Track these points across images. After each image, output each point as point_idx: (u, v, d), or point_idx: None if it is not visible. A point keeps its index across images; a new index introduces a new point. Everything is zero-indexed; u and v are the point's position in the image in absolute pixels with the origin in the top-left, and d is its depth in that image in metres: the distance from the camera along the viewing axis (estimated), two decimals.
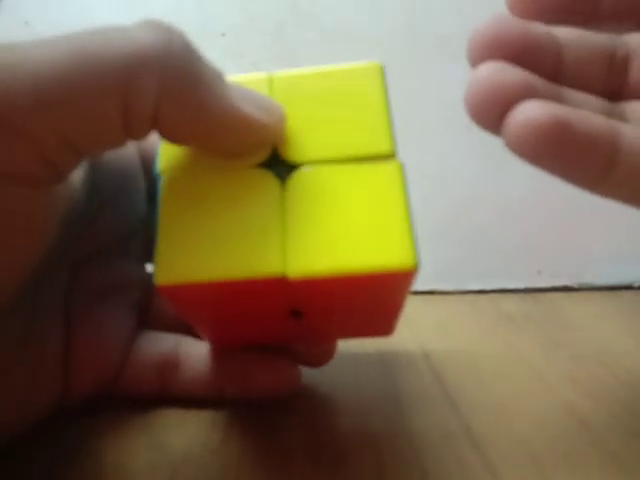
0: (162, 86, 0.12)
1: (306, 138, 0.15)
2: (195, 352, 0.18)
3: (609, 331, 0.25)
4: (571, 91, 0.15)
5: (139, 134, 0.13)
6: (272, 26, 0.40)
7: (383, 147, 0.15)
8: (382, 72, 0.16)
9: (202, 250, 0.13)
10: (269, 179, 0.14)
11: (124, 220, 0.18)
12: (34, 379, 0.15)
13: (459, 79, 0.44)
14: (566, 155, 0.13)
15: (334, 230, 0.13)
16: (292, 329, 0.17)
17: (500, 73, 0.14)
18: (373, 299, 0.15)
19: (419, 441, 0.16)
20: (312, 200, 0.14)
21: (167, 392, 0.18)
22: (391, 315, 0.17)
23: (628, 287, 0.33)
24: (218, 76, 0.13)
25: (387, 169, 0.14)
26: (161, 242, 0.13)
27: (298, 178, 0.14)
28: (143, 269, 0.20)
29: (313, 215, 0.14)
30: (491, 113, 0.13)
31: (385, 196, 0.14)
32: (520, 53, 0.14)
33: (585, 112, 0.13)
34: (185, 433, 0.17)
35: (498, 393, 0.19)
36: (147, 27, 0.13)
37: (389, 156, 0.14)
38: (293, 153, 0.15)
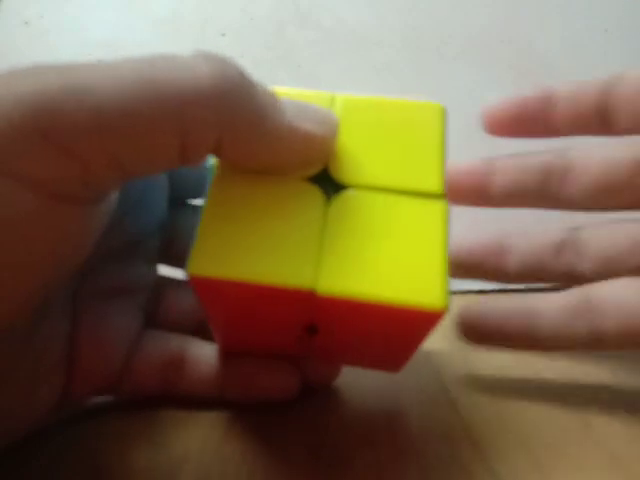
0: (221, 118, 0.12)
1: (358, 161, 0.15)
2: (200, 353, 0.18)
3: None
4: None
5: (195, 162, 0.13)
6: (272, 26, 0.40)
7: (433, 186, 0.15)
8: (443, 114, 0.16)
9: (239, 249, 0.13)
10: (315, 194, 0.14)
11: (141, 225, 0.18)
12: (37, 379, 0.15)
13: (459, 79, 0.44)
14: None
15: (370, 256, 0.13)
16: (302, 345, 0.17)
17: None
18: (392, 333, 0.15)
19: (419, 441, 0.16)
20: (353, 222, 0.14)
21: (171, 392, 0.18)
22: (404, 354, 0.17)
23: None
24: (272, 97, 0.13)
25: (433, 207, 0.14)
26: (201, 233, 0.13)
27: (344, 198, 0.14)
28: (153, 271, 0.19)
29: (352, 237, 0.14)
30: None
31: (426, 233, 0.14)
32: None
33: None
34: (185, 433, 0.17)
35: (498, 392, 0.19)
36: (203, 59, 0.12)
37: (438, 196, 0.15)
38: (343, 173, 0.15)
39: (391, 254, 0.14)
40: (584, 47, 0.40)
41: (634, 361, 0.22)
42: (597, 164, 0.19)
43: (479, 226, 0.23)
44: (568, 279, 0.19)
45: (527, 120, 0.20)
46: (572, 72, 0.38)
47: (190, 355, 0.18)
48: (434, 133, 0.15)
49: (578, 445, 0.16)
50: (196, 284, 0.14)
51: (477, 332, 0.19)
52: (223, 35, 0.40)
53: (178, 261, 0.19)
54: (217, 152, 0.13)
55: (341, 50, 0.39)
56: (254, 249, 0.13)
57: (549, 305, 0.18)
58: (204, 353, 0.18)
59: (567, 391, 0.19)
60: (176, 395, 0.18)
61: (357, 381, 0.20)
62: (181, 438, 0.16)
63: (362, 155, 0.15)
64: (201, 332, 0.18)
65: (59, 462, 0.15)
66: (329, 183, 0.15)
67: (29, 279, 0.13)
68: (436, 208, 0.14)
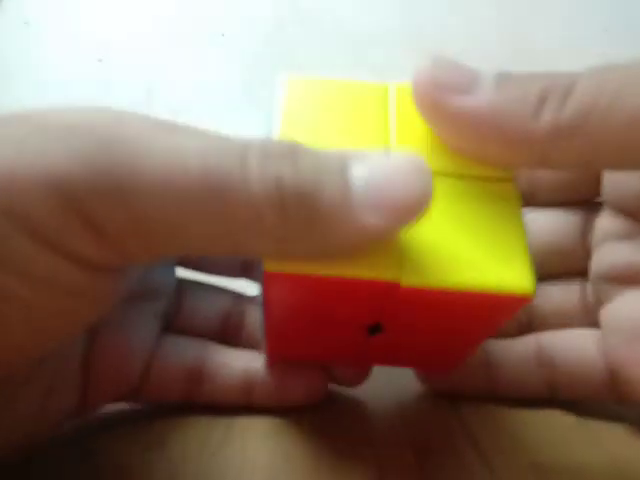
0: (278, 244, 0.11)
1: (421, 148, 0.14)
2: (223, 360, 0.17)
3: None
4: None
5: None
6: (272, 26, 0.40)
7: (503, 173, 0.14)
8: None
9: None
10: None
11: None
12: (52, 389, 0.15)
13: None
14: None
15: (449, 242, 0.13)
16: (358, 348, 0.16)
17: None
18: (467, 323, 0.14)
19: (419, 441, 0.16)
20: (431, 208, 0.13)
21: (194, 400, 0.17)
22: (468, 348, 0.16)
23: None
24: (342, 191, 0.11)
25: (505, 189, 0.14)
26: None
27: None
28: (172, 274, 0.19)
29: (428, 224, 0.13)
30: None
31: (503, 216, 0.13)
32: None
33: None
34: (185, 433, 0.17)
35: None
36: (257, 161, 0.11)
37: (508, 179, 0.14)
38: None
39: (470, 239, 0.13)
40: (584, 47, 0.40)
41: None
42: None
43: None
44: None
45: None
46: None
47: (212, 362, 0.17)
48: None
49: (578, 445, 0.16)
50: (271, 280, 0.13)
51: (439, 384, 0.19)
52: (223, 35, 0.40)
53: (197, 264, 0.19)
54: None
55: (341, 50, 0.39)
56: None
57: (508, 356, 0.18)
58: (227, 360, 0.17)
59: None
60: (199, 404, 0.17)
61: None
62: (180, 439, 0.16)
63: (424, 142, 0.14)
64: (225, 337, 0.18)
65: (59, 463, 0.15)
66: None
67: (44, 335, 0.12)
68: (508, 190, 0.14)
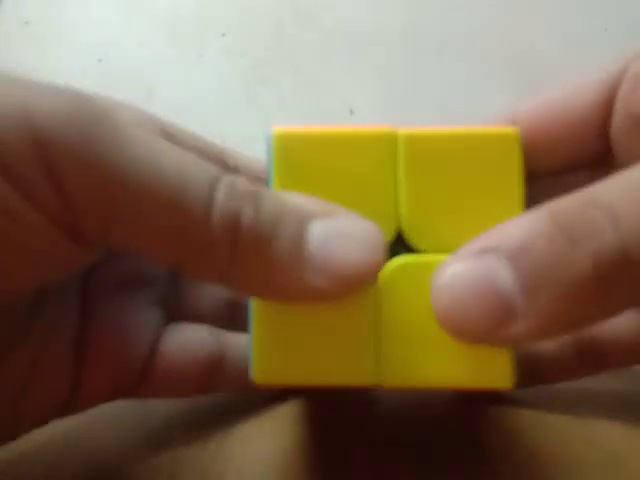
0: (232, 270, 0.12)
1: (432, 220, 0.13)
2: (239, 345, 0.17)
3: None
4: None
5: None
6: (272, 26, 0.40)
7: None
8: (518, 143, 0.14)
9: (297, 352, 0.13)
10: None
11: None
12: (37, 373, 0.14)
13: (458, 79, 0.44)
14: None
15: (430, 337, 0.13)
16: None
17: None
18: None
19: (419, 440, 0.16)
20: (408, 295, 0.13)
21: (209, 392, 0.17)
22: None
23: None
24: (297, 245, 0.12)
25: None
26: (256, 339, 0.13)
27: (394, 269, 0.13)
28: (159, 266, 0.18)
29: (409, 315, 0.13)
30: None
31: None
32: None
33: None
34: (185, 433, 0.17)
35: (499, 393, 0.19)
36: (223, 192, 0.12)
37: None
38: (417, 237, 0.13)
39: None
40: (584, 47, 0.40)
41: None
42: None
43: None
44: None
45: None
46: (572, 72, 0.38)
47: (229, 349, 0.16)
48: (511, 174, 0.13)
49: (578, 445, 0.16)
50: (263, 388, 0.14)
51: None
52: (223, 35, 0.40)
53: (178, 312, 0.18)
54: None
55: (341, 50, 0.39)
56: (312, 349, 0.13)
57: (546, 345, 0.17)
58: (242, 345, 0.17)
59: (568, 391, 0.19)
60: (216, 393, 0.17)
61: None
62: (181, 438, 0.16)
63: (435, 211, 0.13)
64: (233, 322, 0.17)
65: (59, 462, 0.15)
66: (404, 249, 0.14)
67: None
68: None
